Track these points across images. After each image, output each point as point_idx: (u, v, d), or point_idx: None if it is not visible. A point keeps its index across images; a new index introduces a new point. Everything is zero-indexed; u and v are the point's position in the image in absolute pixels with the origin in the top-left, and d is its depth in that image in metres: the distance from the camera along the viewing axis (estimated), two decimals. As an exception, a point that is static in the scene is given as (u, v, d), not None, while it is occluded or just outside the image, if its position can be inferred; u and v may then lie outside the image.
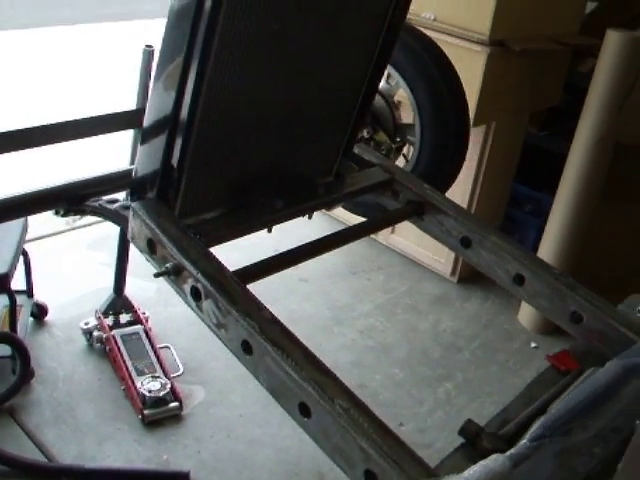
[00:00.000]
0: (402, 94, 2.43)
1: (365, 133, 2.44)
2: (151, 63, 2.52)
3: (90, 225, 3.54)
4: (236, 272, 1.62)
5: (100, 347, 2.90)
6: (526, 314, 3.39)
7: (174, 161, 1.67)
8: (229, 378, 2.85)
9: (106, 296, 3.00)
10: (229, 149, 1.75)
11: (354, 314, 3.34)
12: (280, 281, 3.45)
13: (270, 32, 1.64)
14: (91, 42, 6.36)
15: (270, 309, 3.23)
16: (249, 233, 1.78)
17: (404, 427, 2.77)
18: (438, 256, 3.59)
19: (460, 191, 3.43)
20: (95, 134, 2.15)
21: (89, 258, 3.44)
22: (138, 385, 2.67)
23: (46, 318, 3.04)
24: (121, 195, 1.93)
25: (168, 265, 1.60)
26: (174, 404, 2.67)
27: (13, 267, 2.62)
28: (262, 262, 1.71)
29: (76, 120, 2.11)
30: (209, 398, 2.78)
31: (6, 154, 1.98)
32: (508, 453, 1.36)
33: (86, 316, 2.98)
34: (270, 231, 1.87)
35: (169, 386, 2.69)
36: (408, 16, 2.96)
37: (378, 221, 2.11)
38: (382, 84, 2.52)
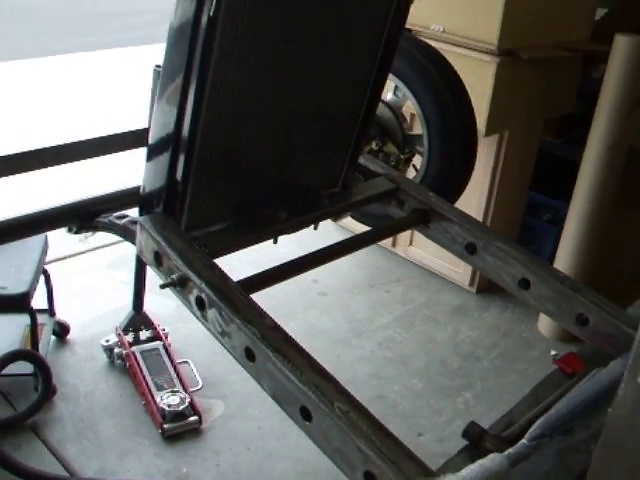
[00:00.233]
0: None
1: (374, 145, 2.48)
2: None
3: (110, 245, 3.60)
4: (240, 282, 1.66)
5: (121, 364, 2.95)
6: (546, 322, 3.38)
7: (178, 176, 1.71)
8: (248, 392, 2.87)
9: (126, 314, 3.05)
10: (232, 163, 1.79)
11: (372, 326, 3.36)
12: (299, 295, 3.50)
13: (268, 46, 1.68)
14: (114, 67, 6.48)
15: (289, 323, 3.27)
16: (254, 244, 1.82)
17: (422, 437, 2.78)
18: (456, 266, 3.60)
19: (476, 201, 3.44)
20: (106, 153, 2.20)
21: (110, 277, 3.49)
22: (158, 400, 2.71)
23: (68, 336, 3.09)
24: (133, 212, 1.98)
25: (174, 276, 1.64)
26: (193, 418, 2.70)
27: (33, 286, 2.67)
28: (265, 272, 1.75)
29: (87, 140, 2.16)
30: (228, 412, 2.81)
31: (19, 174, 2.04)
32: (506, 452, 1.37)
33: (107, 334, 3.03)
34: (276, 242, 1.90)
35: (188, 400, 2.72)
36: (417, 29, 3.02)
37: (383, 229, 2.14)
38: (390, 96, 2.56)
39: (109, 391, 2.85)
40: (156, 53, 1.86)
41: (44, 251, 2.85)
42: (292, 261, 1.79)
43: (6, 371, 2.53)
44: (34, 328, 2.71)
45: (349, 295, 3.57)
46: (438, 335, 3.35)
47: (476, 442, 1.54)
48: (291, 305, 3.42)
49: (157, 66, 2.58)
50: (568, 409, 1.51)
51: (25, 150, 2.04)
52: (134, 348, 2.91)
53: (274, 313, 3.30)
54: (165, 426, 2.65)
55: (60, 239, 3.01)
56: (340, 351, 3.16)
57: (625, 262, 3.56)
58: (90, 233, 2.03)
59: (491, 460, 1.30)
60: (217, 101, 1.66)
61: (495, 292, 3.60)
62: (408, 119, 2.66)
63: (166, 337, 3.02)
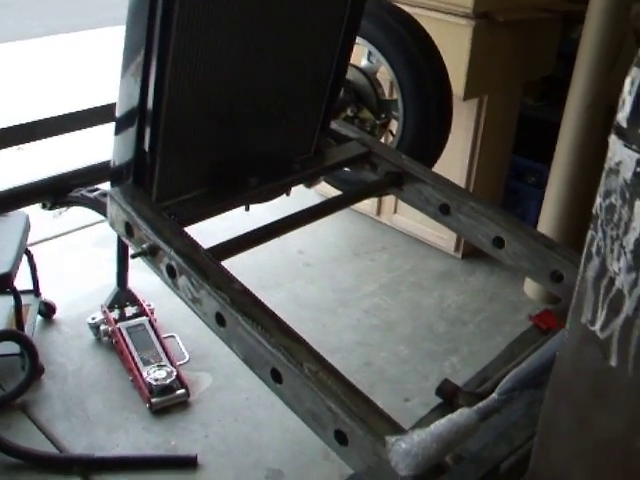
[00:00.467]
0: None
1: (349, 111, 2.47)
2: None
3: (95, 224, 3.58)
4: (211, 249, 1.66)
5: (107, 340, 2.95)
6: (532, 285, 3.39)
7: (146, 147, 1.72)
8: (235, 363, 2.84)
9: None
10: (200, 133, 1.79)
11: (358, 295, 3.37)
12: (285, 266, 3.51)
13: (230, 14, 1.68)
14: (101, 46, 6.42)
15: (275, 294, 3.28)
16: (224, 211, 1.82)
17: (409, 402, 2.79)
18: (441, 233, 3.60)
19: (458, 166, 3.44)
20: (78, 129, 2.20)
21: (95, 256, 3.49)
22: (145, 375, 2.71)
23: (55, 316, 3.09)
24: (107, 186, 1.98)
25: (144, 246, 1.65)
26: (181, 391, 2.71)
27: (15, 266, 2.67)
28: (236, 239, 1.75)
29: (58, 116, 2.16)
30: (215, 384, 2.82)
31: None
32: (475, 407, 1.38)
33: (93, 312, 3.03)
34: (248, 209, 1.90)
35: (175, 374, 2.73)
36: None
37: (357, 193, 2.14)
38: (364, 62, 2.55)
39: (96, 368, 2.86)
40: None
41: (25, 231, 2.84)
42: (263, 227, 1.79)
43: (-7, 352, 2.55)
44: (18, 308, 2.71)
45: (335, 265, 3.58)
46: (424, 301, 3.36)
47: (450, 399, 1.56)
48: (277, 276, 3.43)
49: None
50: (539, 363, 1.52)
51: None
52: (120, 324, 2.91)
53: (260, 284, 3.35)
54: (153, 400, 2.66)
55: (43, 221, 3.01)
56: (326, 320, 3.17)
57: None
58: (64, 209, 2.03)
59: (460, 414, 1.31)
60: (180, 72, 1.67)
61: (481, 257, 3.59)
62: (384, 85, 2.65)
63: (152, 312, 3.02)
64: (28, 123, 2.15)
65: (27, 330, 2.78)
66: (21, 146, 2.39)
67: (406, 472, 1.23)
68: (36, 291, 3.03)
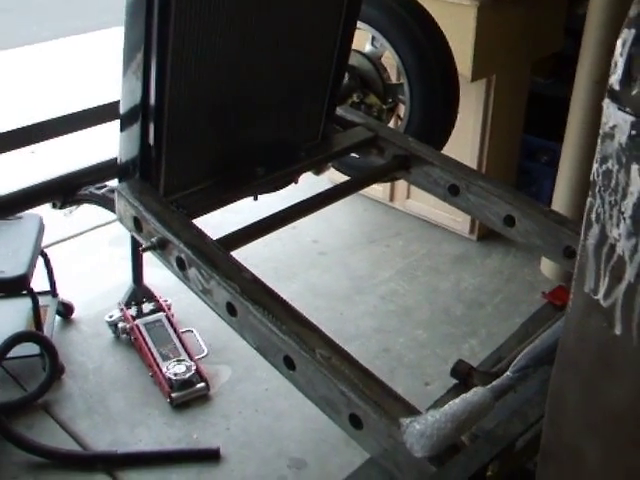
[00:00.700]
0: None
1: (355, 97, 2.46)
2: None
3: (110, 223, 3.59)
4: (220, 240, 1.66)
5: (126, 338, 2.96)
6: (548, 264, 3.36)
7: (151, 141, 1.72)
8: (253, 355, 2.82)
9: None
10: (204, 125, 1.80)
11: (374, 281, 3.36)
12: (299, 256, 3.51)
13: (227, 8, 1.67)
14: (105, 48, 6.45)
15: (291, 284, 3.28)
16: (232, 202, 1.82)
17: (430, 386, 2.78)
18: (456, 216, 3.58)
19: (469, 148, 3.41)
20: (83, 127, 2.21)
21: (111, 255, 3.50)
22: (164, 370, 2.72)
23: (73, 316, 3.11)
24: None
25: (153, 239, 1.65)
26: (201, 385, 2.72)
27: (32, 268, 2.68)
28: (244, 228, 1.75)
29: (64, 116, 2.17)
30: (235, 376, 2.83)
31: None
32: (489, 385, 1.37)
33: (111, 310, 3.04)
34: (256, 199, 1.90)
35: (194, 368, 2.74)
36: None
37: (365, 177, 2.13)
38: (368, 47, 2.54)
39: (116, 365, 2.88)
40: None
41: (40, 233, 2.86)
42: (272, 215, 1.79)
43: (14, 354, 2.56)
44: (36, 310, 2.73)
45: (349, 252, 3.57)
46: (441, 285, 3.34)
47: (465, 379, 1.55)
48: (292, 267, 3.43)
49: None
50: (553, 340, 1.51)
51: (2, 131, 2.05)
52: (138, 321, 2.93)
53: (276, 275, 3.35)
54: (173, 395, 2.67)
55: (57, 223, 3.02)
56: (343, 308, 3.17)
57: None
58: (74, 207, 2.04)
59: (474, 394, 1.30)
60: (180, 66, 1.67)
61: (496, 238, 3.58)
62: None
63: (169, 308, 3.04)
64: (36, 123, 2.16)
65: (46, 331, 2.81)
66: (34, 149, 2.39)
67: (422, 453, 1.23)
68: (53, 292, 3.04)
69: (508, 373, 1.42)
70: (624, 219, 0.73)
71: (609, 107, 0.73)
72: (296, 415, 2.65)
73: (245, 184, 1.84)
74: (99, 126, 2.29)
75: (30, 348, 2.70)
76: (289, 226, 2.35)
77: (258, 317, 1.46)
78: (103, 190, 1.89)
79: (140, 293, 3.04)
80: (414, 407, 1.32)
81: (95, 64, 5.74)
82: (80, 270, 3.39)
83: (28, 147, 2.24)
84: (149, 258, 2.99)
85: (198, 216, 1.74)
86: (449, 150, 2.40)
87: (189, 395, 2.70)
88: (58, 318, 3.06)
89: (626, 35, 0.70)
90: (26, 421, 2.59)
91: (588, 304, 0.81)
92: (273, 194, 2.11)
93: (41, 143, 2.22)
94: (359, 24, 2.18)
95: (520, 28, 3.28)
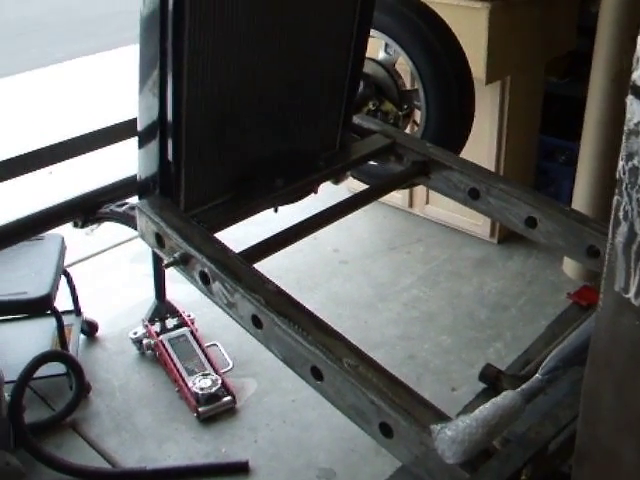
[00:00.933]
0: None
1: (371, 105, 2.46)
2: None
3: (131, 240, 3.61)
4: (241, 253, 1.66)
5: (151, 354, 2.97)
6: (571, 264, 3.34)
7: (170, 157, 1.73)
8: (279, 367, 2.82)
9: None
10: (222, 139, 1.80)
11: (397, 288, 3.35)
12: (321, 265, 3.51)
13: (242, 16, 1.68)
14: (120, 66, 6.50)
15: (313, 295, 3.28)
16: (252, 215, 1.83)
17: (457, 391, 2.77)
18: (476, 220, 3.57)
19: (486, 150, 3.40)
20: (102, 146, 2.22)
21: (133, 271, 3.52)
22: (190, 384, 2.73)
23: (97, 334, 3.12)
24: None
25: (176, 255, 1.66)
26: (227, 398, 2.72)
27: (54, 288, 2.70)
28: (266, 240, 1.74)
29: (82, 136, 2.19)
30: (261, 388, 2.83)
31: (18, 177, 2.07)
32: (519, 389, 1.36)
33: (135, 327, 3.05)
34: (276, 211, 1.90)
35: (220, 382, 2.74)
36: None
37: (385, 184, 2.13)
38: (381, 54, 2.54)
39: (142, 382, 2.88)
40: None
41: (62, 253, 2.88)
42: (293, 226, 1.79)
43: (40, 373, 2.57)
44: (61, 329, 2.75)
45: (371, 260, 3.57)
46: (463, 289, 3.33)
47: (493, 384, 1.54)
48: (314, 277, 3.43)
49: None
50: (582, 339, 1.49)
51: (19, 153, 2.07)
52: (162, 337, 2.94)
53: (298, 286, 3.35)
54: (200, 409, 2.67)
55: (78, 242, 3.04)
56: (367, 316, 3.16)
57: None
58: (95, 226, 2.05)
59: (504, 397, 1.29)
60: (196, 82, 1.68)
61: (517, 241, 3.56)
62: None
63: (192, 323, 3.04)
64: (55, 144, 2.18)
65: (71, 349, 2.82)
66: (52, 170, 2.40)
67: (454, 460, 1.22)
68: (77, 311, 3.06)
69: (537, 375, 1.41)
70: (653, 216, 0.72)
71: (633, 103, 0.73)
72: (324, 425, 2.64)
73: (265, 196, 1.84)
74: (116, 144, 2.31)
75: (56, 367, 2.71)
76: (309, 236, 2.36)
77: (284, 328, 1.45)
78: (124, 208, 1.89)
79: (163, 309, 3.05)
80: (444, 413, 1.31)
81: (110, 83, 5.78)
82: (103, 288, 3.41)
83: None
84: (171, 274, 3.02)
85: (219, 230, 1.74)
86: (466, 154, 2.39)
87: (216, 409, 2.70)
88: (82, 337, 3.08)
89: (647, 31, 0.69)
90: (55, 440, 2.61)
91: (619, 303, 0.80)
92: (292, 205, 2.11)
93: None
94: (372, 32, 2.19)
95: (533, 28, 3.27)
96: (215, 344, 3.00)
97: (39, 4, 8.13)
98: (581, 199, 3.20)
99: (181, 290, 3.17)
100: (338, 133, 2.06)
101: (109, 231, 2.36)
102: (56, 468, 2.44)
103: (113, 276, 3.53)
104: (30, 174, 2.19)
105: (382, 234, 3.77)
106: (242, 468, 2.48)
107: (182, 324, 3.03)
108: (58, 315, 2.73)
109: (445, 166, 2.00)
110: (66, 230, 2.20)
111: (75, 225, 2.03)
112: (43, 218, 1.96)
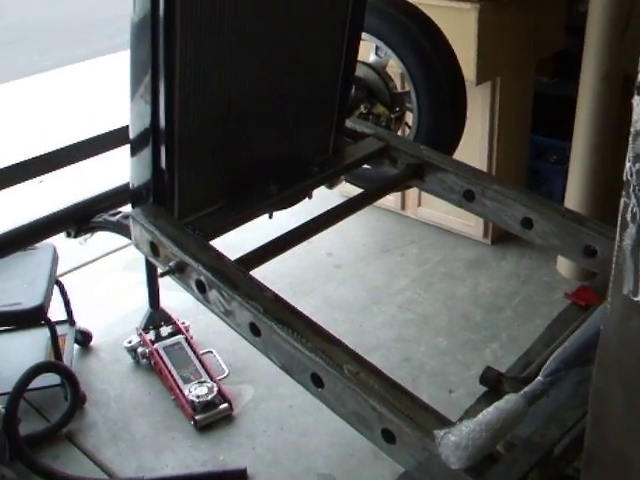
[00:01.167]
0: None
1: (363, 108, 2.45)
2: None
3: (123, 248, 3.59)
4: (238, 260, 1.65)
5: (146, 362, 2.95)
6: (565, 263, 3.34)
7: (163, 165, 1.71)
8: (275, 372, 2.81)
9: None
10: (215, 146, 1.79)
11: (391, 291, 3.34)
12: (315, 270, 3.50)
13: (233, 23, 1.67)
14: (111, 73, 6.47)
15: (308, 299, 3.26)
16: (247, 221, 1.81)
17: (454, 393, 2.77)
18: (468, 221, 3.56)
19: (477, 151, 3.40)
20: (94, 154, 2.21)
21: (126, 279, 3.50)
22: (186, 392, 2.71)
23: (91, 343, 3.10)
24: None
25: (171, 264, 1.64)
26: (224, 405, 2.71)
27: (48, 298, 2.68)
28: (262, 247, 1.73)
29: (74, 144, 2.17)
30: (258, 395, 2.81)
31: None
32: (522, 392, 1.36)
33: (129, 335, 3.03)
34: (271, 217, 1.89)
35: (216, 389, 2.73)
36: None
37: (379, 188, 2.12)
38: (372, 57, 2.53)
39: (138, 391, 2.86)
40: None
41: (54, 262, 2.86)
42: (288, 232, 1.78)
43: (35, 385, 2.55)
44: (54, 339, 2.72)
45: (364, 264, 3.56)
46: (457, 290, 3.33)
47: (494, 387, 1.53)
48: (308, 281, 3.42)
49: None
50: (583, 340, 1.49)
51: (12, 163, 2.05)
52: (156, 345, 2.92)
53: (292, 291, 3.33)
54: (197, 417, 2.65)
55: (70, 251, 3.02)
56: (362, 319, 3.16)
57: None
58: (89, 235, 2.03)
59: (507, 401, 1.28)
60: (189, 87, 1.67)
61: (510, 241, 3.56)
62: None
63: (187, 330, 3.03)
64: (46, 154, 2.16)
65: (65, 360, 2.80)
66: (42, 179, 2.39)
67: (458, 465, 1.21)
68: (70, 320, 3.04)
69: (540, 378, 1.40)
70: (661, 218, 0.71)
71: (639, 105, 0.72)
72: (322, 430, 2.63)
73: (259, 202, 1.83)
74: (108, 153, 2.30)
75: (51, 378, 2.69)
76: (303, 241, 2.35)
77: (282, 336, 1.44)
78: (117, 217, 1.88)
79: (157, 317, 3.03)
80: (446, 418, 1.30)
81: (100, 90, 5.75)
82: (96, 297, 3.39)
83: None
84: (165, 281, 3.00)
85: (214, 237, 1.73)
86: (458, 155, 2.39)
87: (213, 416, 2.68)
88: (77, 346, 3.05)
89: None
90: (51, 452, 2.59)
91: (627, 306, 0.79)
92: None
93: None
94: (362, 35, 2.18)
95: (522, 29, 3.27)
96: (210, 351, 2.98)
97: (26, 11, 8.10)
98: (574, 198, 3.20)
99: (175, 297, 3.15)
100: (331, 137, 2.06)
101: (100, 239, 2.33)
102: (53, 480, 2.42)
103: (106, 285, 3.50)
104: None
105: (375, 237, 3.76)
106: (240, 475, 2.47)
107: (177, 332, 3.01)
108: (52, 325, 2.70)
109: (439, 168, 2.00)
110: (57, 239, 2.19)
111: (68, 235, 2.01)
112: (36, 229, 1.94)
